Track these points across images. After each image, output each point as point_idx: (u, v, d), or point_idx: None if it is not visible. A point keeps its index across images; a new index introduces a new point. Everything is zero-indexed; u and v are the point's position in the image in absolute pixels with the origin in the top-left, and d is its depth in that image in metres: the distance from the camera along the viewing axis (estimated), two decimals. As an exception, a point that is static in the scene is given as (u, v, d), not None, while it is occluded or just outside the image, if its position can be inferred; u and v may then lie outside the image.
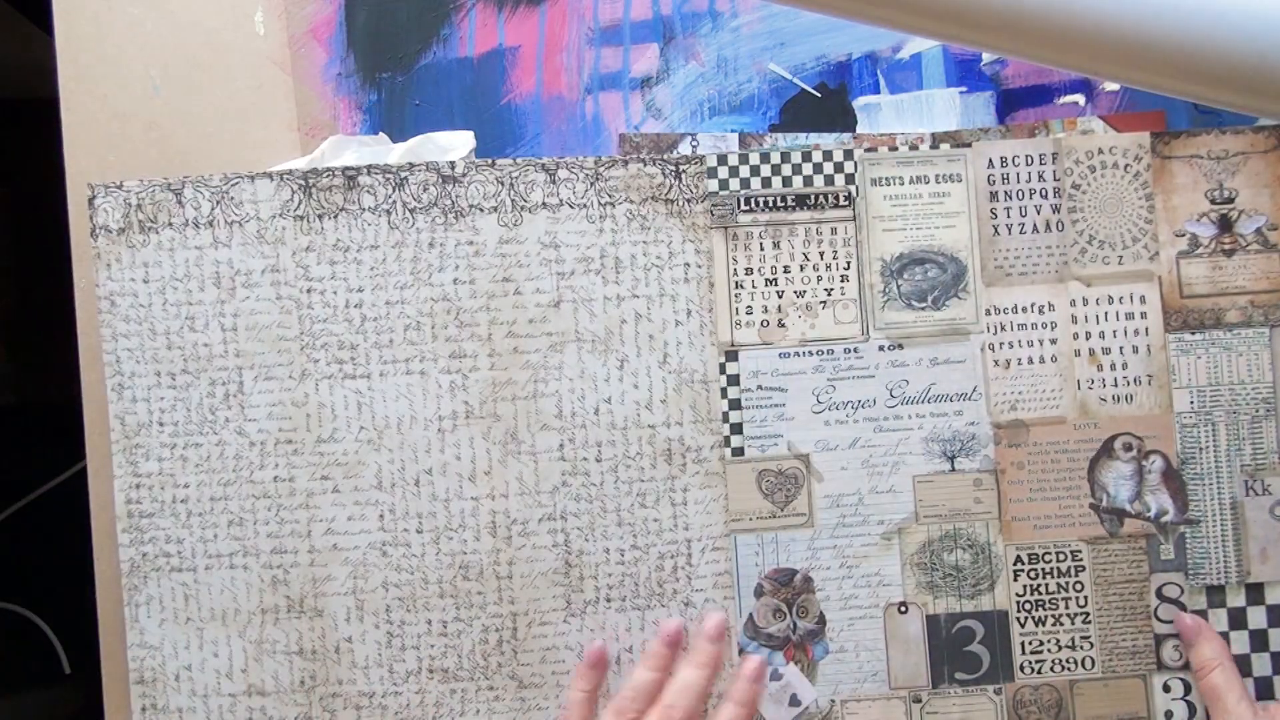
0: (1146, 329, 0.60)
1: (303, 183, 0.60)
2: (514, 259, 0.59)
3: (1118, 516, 0.60)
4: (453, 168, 0.59)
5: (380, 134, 0.63)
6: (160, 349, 0.60)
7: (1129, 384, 0.60)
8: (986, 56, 0.62)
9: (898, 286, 0.61)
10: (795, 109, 0.63)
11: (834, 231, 0.61)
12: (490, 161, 0.60)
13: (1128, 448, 0.60)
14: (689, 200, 0.60)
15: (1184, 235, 0.61)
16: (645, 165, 0.60)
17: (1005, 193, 0.61)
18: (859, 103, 0.63)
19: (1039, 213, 0.61)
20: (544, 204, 0.60)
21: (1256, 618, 0.60)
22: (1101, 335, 0.60)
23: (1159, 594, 0.60)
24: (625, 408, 0.59)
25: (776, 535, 0.60)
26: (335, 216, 0.60)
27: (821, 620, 0.60)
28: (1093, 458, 0.60)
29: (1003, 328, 0.61)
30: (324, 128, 0.63)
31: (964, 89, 0.63)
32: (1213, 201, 0.61)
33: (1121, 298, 0.61)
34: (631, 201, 0.60)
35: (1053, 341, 0.60)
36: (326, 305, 0.59)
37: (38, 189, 0.62)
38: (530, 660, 0.59)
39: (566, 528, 0.59)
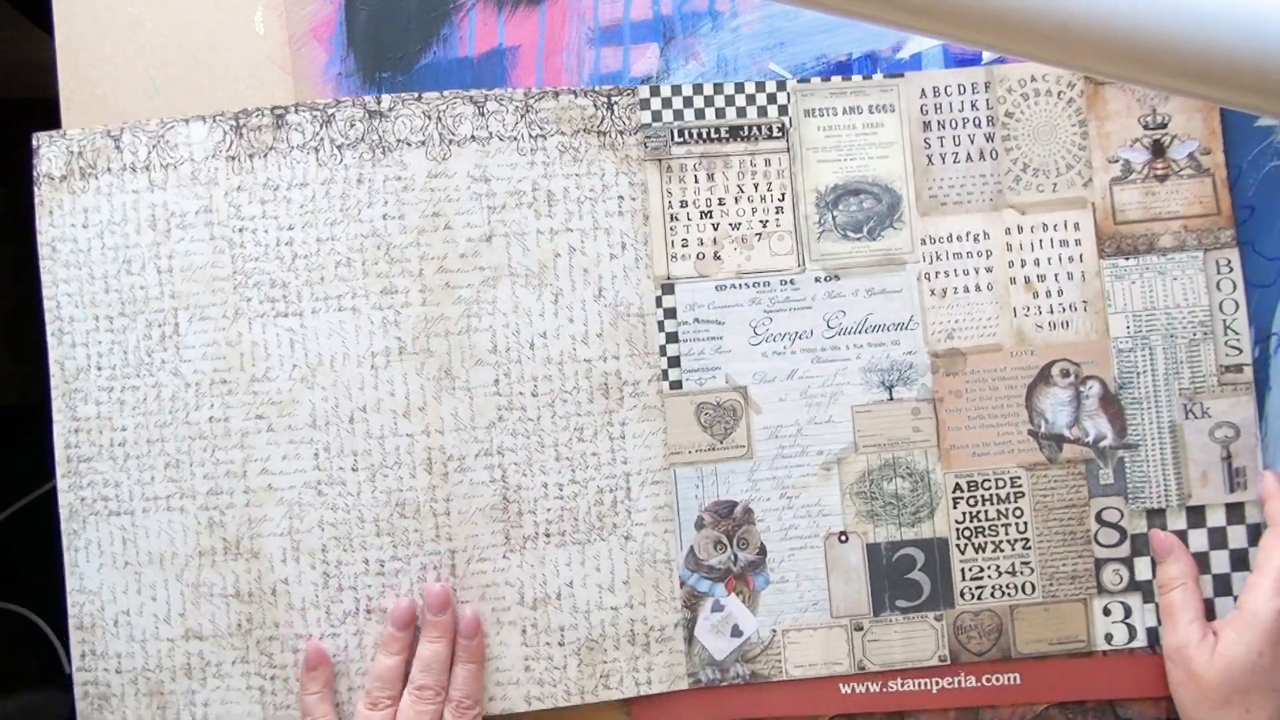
0: (1081, 255, 0.60)
1: (234, 123, 0.59)
2: (443, 193, 0.59)
3: (1056, 442, 0.60)
4: (379, 102, 0.59)
5: None
6: (98, 293, 0.60)
7: (1065, 310, 0.60)
8: (986, 56, 0.62)
9: (833, 217, 0.61)
10: (796, 109, 0.63)
11: (768, 163, 0.61)
12: (417, 95, 0.59)
13: (1065, 374, 0.60)
14: (622, 132, 0.60)
15: (1117, 161, 0.61)
16: (576, 97, 0.60)
17: (939, 122, 0.61)
18: (860, 103, 0.63)
19: (973, 141, 0.61)
20: (473, 137, 0.59)
21: (1198, 540, 0.60)
22: (1036, 263, 0.60)
23: (1099, 518, 0.60)
24: (561, 342, 0.59)
25: (716, 467, 0.60)
26: (265, 155, 0.59)
27: (762, 551, 0.60)
28: (1030, 384, 0.60)
29: (938, 257, 0.60)
30: (324, 128, 0.63)
31: None
32: (1146, 127, 0.61)
33: (1056, 225, 0.60)
34: (563, 134, 0.60)
35: (988, 270, 0.60)
36: (258, 244, 0.59)
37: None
38: (470, 597, 0.59)
39: (504, 463, 0.59)
